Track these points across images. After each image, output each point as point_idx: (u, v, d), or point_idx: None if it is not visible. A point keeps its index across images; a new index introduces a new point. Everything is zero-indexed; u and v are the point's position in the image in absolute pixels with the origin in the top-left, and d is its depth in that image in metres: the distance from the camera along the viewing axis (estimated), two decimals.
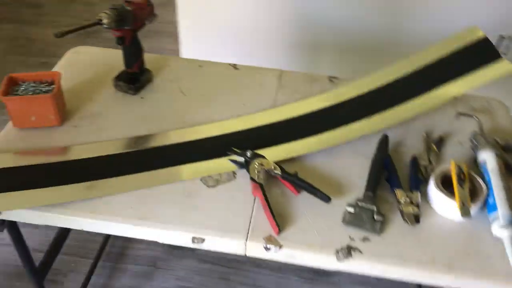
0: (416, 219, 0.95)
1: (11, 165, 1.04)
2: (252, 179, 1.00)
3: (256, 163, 1.03)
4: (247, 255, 0.93)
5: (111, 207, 0.96)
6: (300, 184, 1.00)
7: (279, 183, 1.02)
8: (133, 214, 0.95)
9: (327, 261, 0.91)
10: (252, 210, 0.97)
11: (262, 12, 2.01)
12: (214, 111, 1.21)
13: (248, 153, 1.05)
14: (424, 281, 0.90)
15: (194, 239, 0.92)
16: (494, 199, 0.96)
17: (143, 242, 1.79)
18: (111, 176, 1.03)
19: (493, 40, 1.92)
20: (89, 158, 1.06)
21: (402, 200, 0.97)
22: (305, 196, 1.00)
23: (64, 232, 1.38)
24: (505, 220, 0.92)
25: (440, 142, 1.15)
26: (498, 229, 0.92)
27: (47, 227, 1.79)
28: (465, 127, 1.20)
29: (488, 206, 0.97)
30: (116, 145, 1.10)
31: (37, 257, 1.25)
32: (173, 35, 2.83)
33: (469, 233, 0.95)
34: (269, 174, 1.02)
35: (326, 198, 0.97)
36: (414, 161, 1.08)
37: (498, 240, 0.93)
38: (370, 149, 1.10)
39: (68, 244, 1.72)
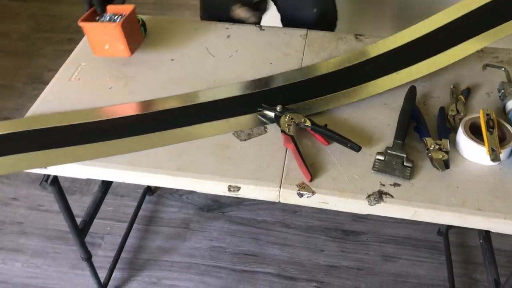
0: (446, 164, 0.97)
1: (51, 125, 1.09)
2: (283, 131, 1.03)
3: (286, 117, 1.06)
4: (281, 201, 0.97)
5: (150, 160, 1.00)
6: (330, 135, 1.03)
7: (309, 135, 1.05)
8: (171, 166, 0.99)
9: (359, 206, 0.94)
10: (284, 161, 1.00)
11: None
12: (242, 70, 1.24)
13: (278, 108, 1.08)
14: (454, 223, 0.93)
15: (230, 188, 0.97)
16: None
17: (175, 205, 1.85)
18: (144, 132, 1.07)
19: None
20: (123, 117, 1.11)
21: (431, 147, 1.00)
22: (335, 147, 1.03)
23: (100, 197, 1.43)
24: None
25: (468, 93, 1.16)
26: None
27: (83, 194, 1.87)
28: (492, 78, 1.20)
29: None
30: (149, 105, 1.14)
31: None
32: (194, 8, 2.86)
33: (498, 177, 0.97)
34: (299, 127, 1.05)
35: (357, 147, 1.00)
36: (442, 111, 1.09)
37: None
38: (399, 101, 1.11)
39: (103, 210, 1.80)
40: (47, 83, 1.20)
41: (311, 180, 0.96)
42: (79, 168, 1.01)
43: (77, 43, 1.34)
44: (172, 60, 1.27)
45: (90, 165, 1.00)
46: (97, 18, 1.20)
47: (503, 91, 1.12)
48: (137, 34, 1.23)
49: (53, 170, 1.02)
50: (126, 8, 1.21)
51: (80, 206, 1.79)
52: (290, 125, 1.04)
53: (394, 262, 1.67)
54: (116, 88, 1.19)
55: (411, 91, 1.11)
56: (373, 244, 1.72)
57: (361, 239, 1.74)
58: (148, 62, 1.27)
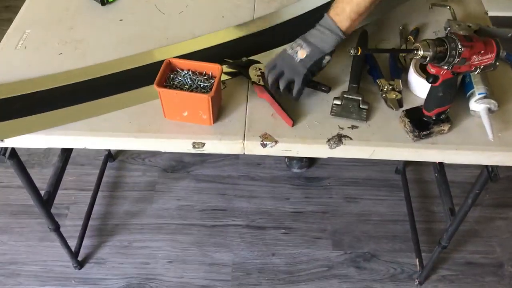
0: (400, 103, 1.02)
1: (4, 96, 1.05)
2: (254, 83, 1.04)
3: (254, 68, 1.06)
4: (246, 153, 0.99)
5: (110, 123, 0.99)
6: None
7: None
8: (132, 128, 0.99)
9: (320, 150, 0.97)
10: (246, 113, 1.02)
11: None
12: (194, 26, 1.22)
13: (244, 60, 1.08)
14: (410, 158, 0.98)
15: (194, 144, 0.97)
16: (470, 77, 1.03)
17: (138, 169, 1.85)
18: (101, 96, 1.05)
19: None
20: (78, 82, 1.09)
21: (385, 88, 1.03)
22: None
23: (61, 167, 1.41)
24: (481, 95, 0.98)
25: (417, 33, 1.19)
26: (474, 104, 0.99)
27: (42, 167, 1.83)
28: (439, 17, 1.24)
29: (464, 85, 1.04)
30: (103, 68, 1.12)
31: None
32: None
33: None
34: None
35: (327, 89, 1.03)
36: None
37: (475, 115, 1.00)
38: (351, 46, 1.13)
39: (66, 180, 1.77)
40: None
41: (293, 125, 0.98)
42: (39, 138, 0.99)
43: (16, 11, 1.27)
44: (121, 20, 1.24)
45: (50, 134, 0.98)
46: (172, 76, 1.00)
47: (449, 28, 1.16)
48: (219, 99, 1.02)
49: (10, 143, 1.00)
50: (210, 68, 1.00)
51: (41, 178, 1.74)
52: (260, 75, 1.05)
53: (356, 203, 1.75)
54: (66, 53, 1.15)
55: (363, 36, 1.14)
56: (335, 188, 1.79)
57: (323, 184, 1.80)
58: (96, 24, 1.23)
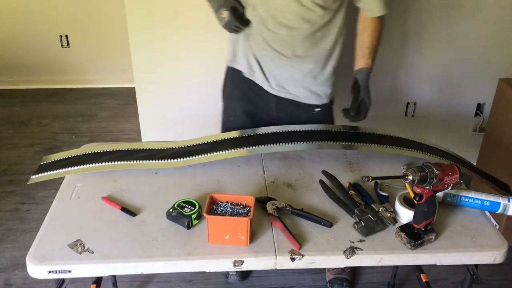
0: (395, 220, 1.29)
1: None
2: (270, 214, 1.30)
3: (271, 203, 1.33)
4: (277, 268, 1.19)
5: (163, 250, 1.19)
6: (307, 216, 1.31)
7: (288, 214, 1.32)
8: (182, 252, 1.19)
9: (338, 260, 1.20)
10: (272, 235, 1.25)
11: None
12: (218, 173, 1.50)
13: (263, 197, 1.37)
14: (410, 262, 1.22)
15: (235, 263, 1.17)
16: None
17: None
18: None
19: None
20: None
21: (379, 210, 1.31)
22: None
23: None
24: None
25: None
26: None
27: None
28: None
29: None
30: None
31: None
32: None
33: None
34: (281, 211, 1.32)
35: (329, 224, 1.28)
36: (376, 184, 1.44)
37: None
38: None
39: None
40: None
41: (299, 248, 1.20)
42: (99, 267, 1.16)
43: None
44: (156, 173, 1.51)
45: (110, 263, 1.16)
46: (215, 207, 1.24)
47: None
48: (252, 224, 1.22)
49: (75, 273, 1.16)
50: (244, 198, 1.26)
51: None
52: (275, 209, 1.31)
53: None
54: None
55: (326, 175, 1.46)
56: None
57: None
58: (135, 176, 1.48)
